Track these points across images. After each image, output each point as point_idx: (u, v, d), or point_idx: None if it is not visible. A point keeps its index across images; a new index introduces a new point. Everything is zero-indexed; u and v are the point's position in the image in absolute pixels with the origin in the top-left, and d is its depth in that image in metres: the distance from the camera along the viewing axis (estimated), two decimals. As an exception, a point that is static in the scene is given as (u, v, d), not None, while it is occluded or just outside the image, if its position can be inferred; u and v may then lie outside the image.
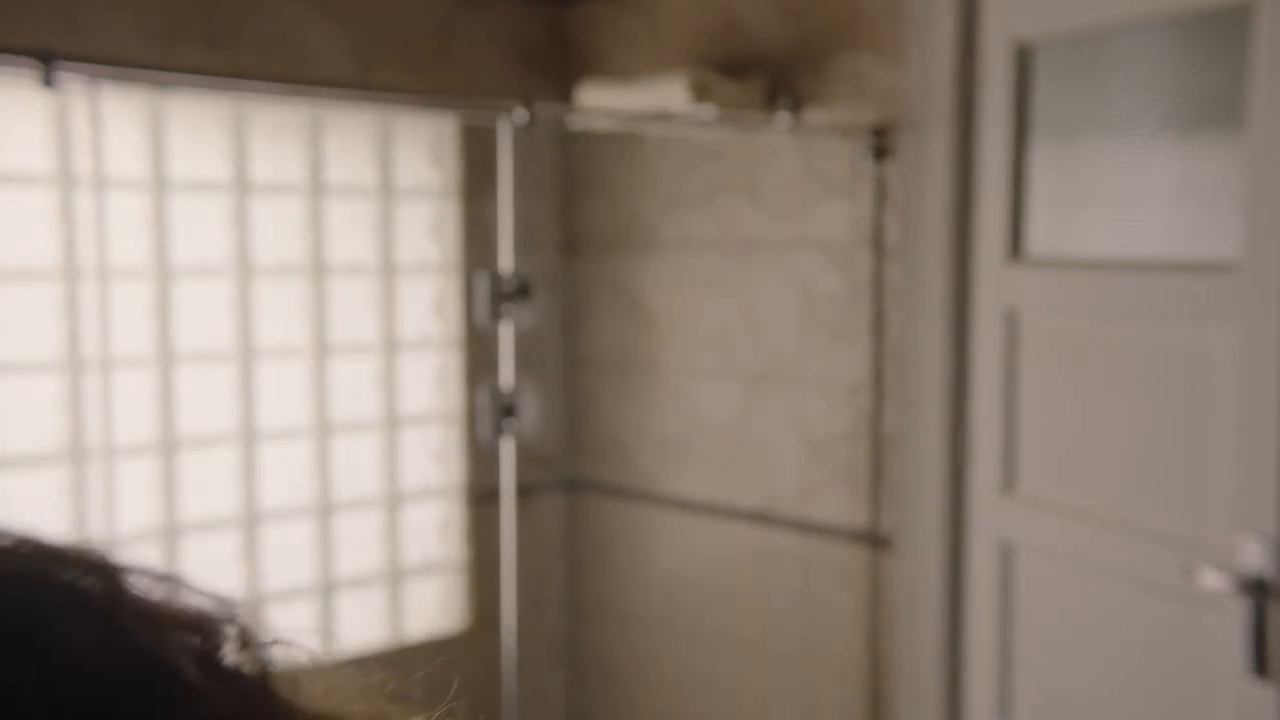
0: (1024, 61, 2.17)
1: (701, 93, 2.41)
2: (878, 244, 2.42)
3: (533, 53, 2.98)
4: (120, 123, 2.38)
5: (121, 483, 2.41)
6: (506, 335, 2.15)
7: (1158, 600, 1.94)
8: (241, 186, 2.54)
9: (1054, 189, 2.16)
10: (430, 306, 2.87)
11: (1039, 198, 2.18)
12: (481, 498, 2.93)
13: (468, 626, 2.97)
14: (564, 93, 2.91)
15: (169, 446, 2.47)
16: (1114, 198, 2.06)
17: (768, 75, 2.54)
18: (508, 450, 2.18)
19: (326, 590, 2.73)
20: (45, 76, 1.55)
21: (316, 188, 2.66)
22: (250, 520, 2.60)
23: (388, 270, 2.78)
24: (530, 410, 2.17)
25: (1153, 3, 1.93)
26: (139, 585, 0.44)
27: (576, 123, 2.63)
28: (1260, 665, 1.73)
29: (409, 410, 2.85)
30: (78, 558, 0.44)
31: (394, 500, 2.84)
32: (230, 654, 0.44)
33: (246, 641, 0.44)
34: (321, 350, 2.69)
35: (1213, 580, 1.78)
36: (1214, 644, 1.84)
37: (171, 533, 2.49)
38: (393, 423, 2.82)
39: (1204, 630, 1.86)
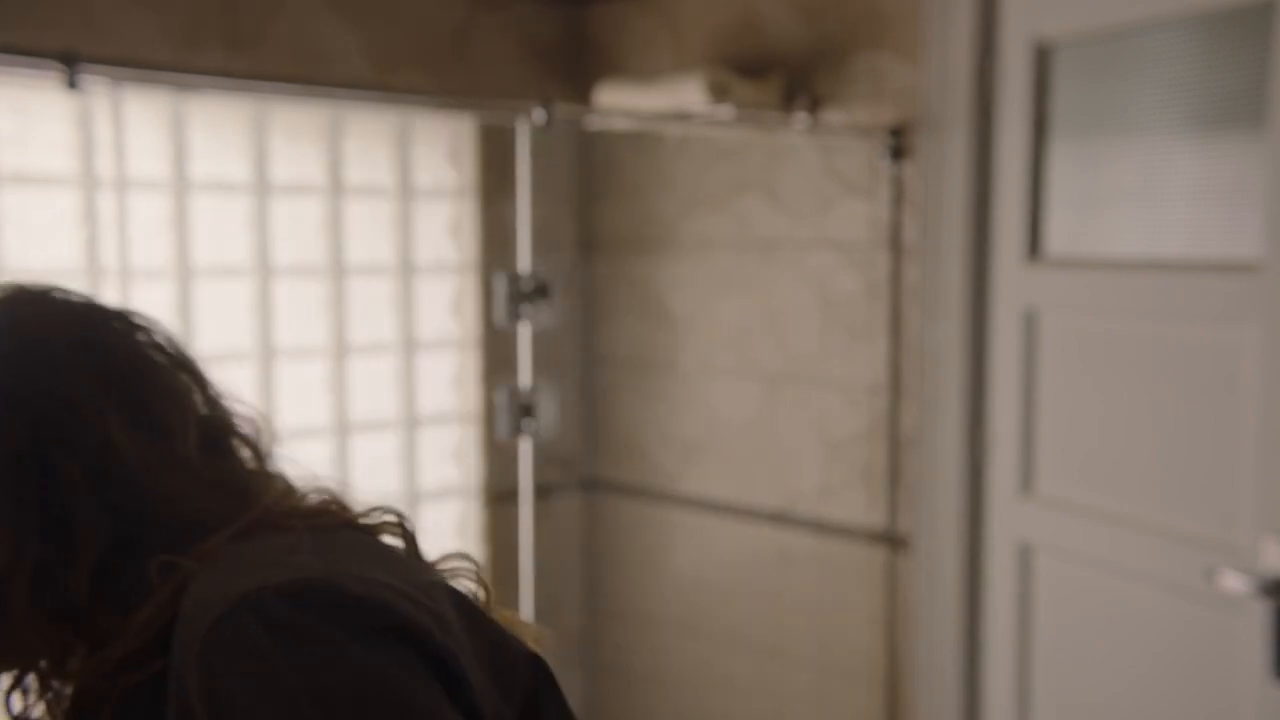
0: (1043, 60, 2.16)
1: (720, 93, 2.41)
2: (896, 244, 2.41)
3: (551, 53, 2.99)
4: (142, 124, 2.39)
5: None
6: (525, 335, 2.15)
7: (1178, 602, 1.93)
8: (261, 187, 2.56)
9: (1074, 188, 2.15)
10: (449, 306, 2.88)
11: (1059, 197, 2.17)
12: (499, 497, 2.93)
13: (486, 626, 2.97)
14: (582, 93, 2.91)
15: (189, 446, 2.48)
16: (1135, 197, 2.06)
17: (786, 75, 2.54)
18: (526, 450, 2.18)
19: (345, 589, 2.74)
20: (69, 79, 1.56)
21: (336, 188, 2.67)
22: (270, 519, 2.61)
23: (406, 270, 2.79)
24: (548, 410, 2.18)
25: (1174, 2, 1.92)
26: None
27: (595, 123, 2.63)
28: (1282, 667, 1.72)
29: (427, 410, 2.86)
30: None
31: (412, 499, 2.84)
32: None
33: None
34: (340, 350, 2.70)
35: (1234, 582, 1.77)
36: (1235, 647, 1.83)
37: (192, 532, 2.50)
38: (411, 422, 2.83)
39: (1225, 633, 1.85)
